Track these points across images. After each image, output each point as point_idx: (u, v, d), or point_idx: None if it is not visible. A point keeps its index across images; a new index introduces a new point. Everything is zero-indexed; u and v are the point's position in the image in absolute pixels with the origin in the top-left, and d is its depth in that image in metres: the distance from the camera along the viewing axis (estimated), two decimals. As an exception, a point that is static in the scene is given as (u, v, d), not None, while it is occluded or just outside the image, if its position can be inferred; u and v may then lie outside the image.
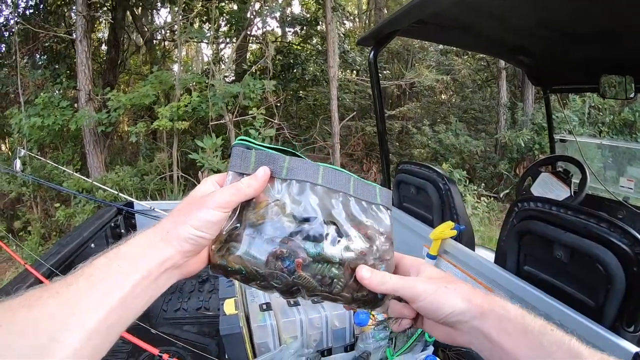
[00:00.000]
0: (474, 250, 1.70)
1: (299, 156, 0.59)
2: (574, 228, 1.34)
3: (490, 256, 1.80)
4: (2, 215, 7.45)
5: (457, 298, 0.52)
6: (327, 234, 0.54)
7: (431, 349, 1.28)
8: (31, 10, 8.30)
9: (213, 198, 0.52)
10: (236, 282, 1.38)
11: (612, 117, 8.91)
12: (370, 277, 0.54)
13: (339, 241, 0.54)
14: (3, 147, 9.35)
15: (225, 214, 0.52)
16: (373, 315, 1.30)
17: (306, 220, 0.54)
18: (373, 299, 0.57)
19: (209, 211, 0.51)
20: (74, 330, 0.41)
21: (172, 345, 1.46)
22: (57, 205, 6.99)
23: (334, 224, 0.55)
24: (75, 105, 7.37)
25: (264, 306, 1.34)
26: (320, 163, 0.58)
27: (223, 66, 9.09)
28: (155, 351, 1.23)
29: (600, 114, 9.07)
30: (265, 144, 0.58)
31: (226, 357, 1.15)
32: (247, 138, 0.59)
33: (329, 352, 1.34)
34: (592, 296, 1.30)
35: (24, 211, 7.38)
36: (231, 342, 1.11)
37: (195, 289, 1.93)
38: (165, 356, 1.18)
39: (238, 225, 0.54)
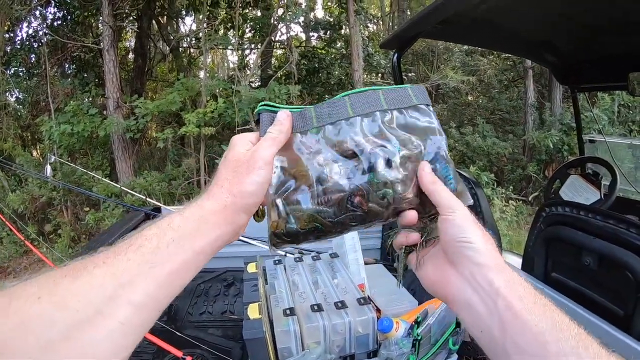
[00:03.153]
0: (501, 255, 1.67)
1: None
2: (603, 234, 1.30)
3: (518, 262, 1.76)
4: (33, 218, 7.71)
5: (481, 236, 0.49)
6: (378, 159, 0.53)
7: (455, 357, 1.26)
8: (59, 22, 8.61)
9: (256, 157, 0.51)
10: (260, 287, 1.38)
11: (642, 114, 8.62)
12: (427, 173, 0.53)
13: (390, 161, 0.53)
14: (35, 154, 9.68)
15: (271, 169, 0.51)
16: (397, 322, 1.29)
17: (354, 155, 0.54)
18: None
19: (259, 172, 0.50)
20: (120, 304, 0.39)
21: (197, 348, 1.48)
22: (87, 209, 7.21)
23: (382, 146, 0.54)
24: (104, 112, 7.60)
25: (288, 311, 1.34)
26: (344, 92, 0.57)
27: (248, 72, 9.20)
28: (179, 353, 1.25)
29: (631, 112, 8.77)
30: (288, 106, 0.58)
31: (249, 361, 1.16)
32: (269, 102, 0.58)
33: (352, 358, 1.33)
34: (621, 305, 1.25)
35: (55, 215, 7.62)
36: (254, 346, 1.12)
37: (220, 292, 1.95)
38: (188, 358, 1.19)
39: (290, 185, 0.53)
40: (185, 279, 0.46)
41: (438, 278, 0.53)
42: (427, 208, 0.54)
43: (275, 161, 0.53)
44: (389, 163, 0.53)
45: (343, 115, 0.55)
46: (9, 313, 0.34)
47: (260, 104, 0.59)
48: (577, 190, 2.75)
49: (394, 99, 0.57)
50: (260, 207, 0.56)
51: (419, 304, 1.46)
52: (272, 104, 0.58)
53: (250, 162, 0.51)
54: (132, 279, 0.40)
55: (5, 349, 0.32)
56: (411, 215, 0.54)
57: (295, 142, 0.56)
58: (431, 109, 0.59)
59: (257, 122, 0.58)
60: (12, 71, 8.57)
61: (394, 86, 0.59)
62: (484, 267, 0.48)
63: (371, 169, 0.53)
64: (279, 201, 0.53)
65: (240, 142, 0.55)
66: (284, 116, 0.55)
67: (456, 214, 0.50)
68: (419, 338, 1.16)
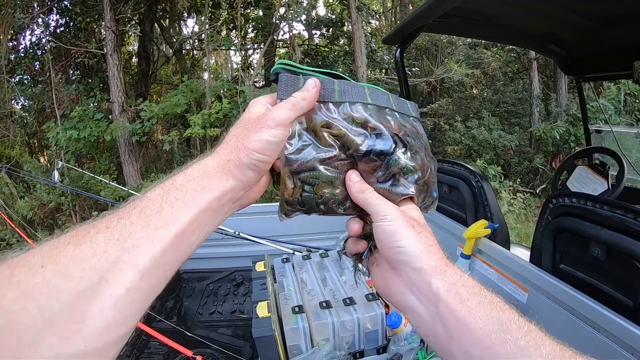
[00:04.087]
0: (509, 249, 1.66)
1: (343, 77, 0.59)
2: (611, 224, 1.29)
3: (526, 254, 1.75)
4: (42, 224, 7.78)
5: (416, 240, 0.47)
6: (397, 145, 0.55)
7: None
8: (62, 29, 8.66)
9: (271, 116, 0.49)
10: (269, 286, 1.39)
11: (649, 103, 8.53)
12: (354, 183, 0.52)
13: (405, 151, 0.55)
14: (42, 160, 9.76)
15: (285, 132, 0.49)
16: (405, 318, 1.29)
17: (378, 135, 0.54)
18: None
19: (269, 130, 0.48)
20: (126, 270, 0.37)
21: (207, 347, 1.49)
22: (95, 213, 7.20)
23: (397, 135, 0.55)
24: (110, 117, 7.65)
25: (297, 309, 1.34)
26: (361, 83, 0.59)
27: (252, 72, 9.21)
28: (189, 353, 1.26)
29: (637, 101, 8.68)
30: (307, 67, 0.57)
31: (259, 359, 1.17)
32: (287, 62, 0.57)
33: (361, 354, 1.33)
34: (631, 295, 1.24)
35: (64, 220, 7.69)
36: (264, 344, 1.13)
37: (230, 292, 1.96)
38: (199, 358, 1.20)
39: (310, 152, 0.52)
40: (193, 240, 0.43)
41: (384, 283, 0.52)
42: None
43: (296, 125, 0.52)
44: (405, 152, 0.55)
45: (362, 100, 0.56)
46: (11, 283, 0.33)
47: (279, 61, 0.57)
48: (584, 181, 2.73)
49: (399, 104, 0.61)
50: (276, 172, 0.55)
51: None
52: (291, 63, 0.57)
53: (261, 120, 0.49)
54: (137, 242, 0.38)
55: (9, 320, 0.31)
56: (356, 227, 0.55)
57: (315, 109, 0.55)
58: (420, 124, 0.64)
59: (275, 80, 0.56)
60: (17, 79, 8.65)
61: (398, 97, 0.63)
62: (421, 272, 0.46)
63: (387, 153, 0.54)
64: (296, 167, 0.52)
65: (257, 104, 0.54)
66: (312, 84, 0.53)
67: (387, 219, 0.49)
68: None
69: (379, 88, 0.60)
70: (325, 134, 0.53)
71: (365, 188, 0.52)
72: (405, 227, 0.48)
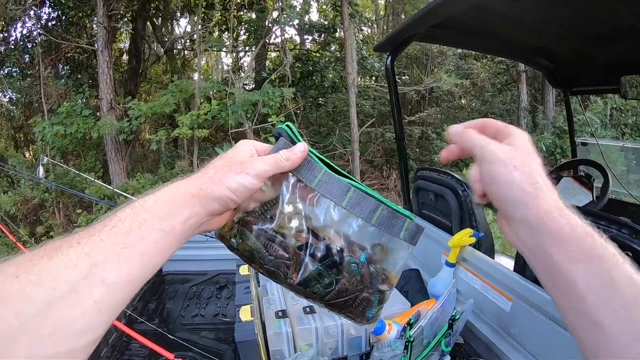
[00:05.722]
0: (493, 258, 1.67)
1: (334, 168, 0.60)
2: (595, 235, 1.31)
3: (510, 264, 1.76)
4: (25, 220, 7.66)
5: (516, 188, 0.48)
6: (329, 255, 0.57)
7: (448, 358, 1.26)
8: (53, 22, 8.56)
9: (254, 165, 0.52)
10: (253, 290, 1.38)
11: (634, 118, 8.70)
12: (460, 129, 0.56)
13: (337, 267, 0.57)
14: (27, 155, 9.62)
15: (260, 182, 0.53)
16: (389, 324, 1.29)
17: (315, 237, 0.57)
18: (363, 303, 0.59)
19: (247, 177, 0.51)
20: (94, 283, 0.40)
21: (189, 350, 1.47)
22: (79, 211, 7.16)
23: (340, 248, 0.57)
24: (98, 114, 7.56)
25: (280, 313, 1.33)
26: (354, 183, 0.58)
27: (242, 74, 9.20)
28: (170, 356, 1.24)
29: (623, 115, 8.87)
30: (313, 150, 0.59)
31: (241, 364, 1.15)
32: (293, 128, 0.60)
33: (345, 360, 1.33)
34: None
35: (47, 217, 7.58)
36: (246, 348, 1.11)
37: (213, 295, 1.94)
38: (180, 362, 1.19)
39: (256, 212, 0.57)
40: (157, 260, 0.46)
41: (505, 228, 0.53)
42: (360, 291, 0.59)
43: (265, 185, 0.56)
44: (335, 265, 0.57)
45: (337, 200, 0.57)
46: None
47: (286, 123, 0.60)
48: (569, 193, 2.76)
49: (387, 220, 0.58)
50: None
51: (412, 305, 1.46)
52: (295, 131, 0.59)
53: (243, 165, 0.52)
54: (106, 259, 0.41)
55: None
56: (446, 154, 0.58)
57: (288, 181, 0.58)
58: (409, 252, 0.60)
59: (276, 138, 0.60)
60: (6, 71, 8.54)
61: (397, 208, 0.59)
62: (527, 225, 0.48)
63: (321, 260, 0.57)
64: (236, 217, 0.57)
65: (246, 147, 0.57)
66: (301, 148, 0.56)
67: (483, 165, 0.51)
68: (412, 340, 1.16)
69: (374, 196, 0.58)
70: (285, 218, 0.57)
71: (460, 129, 0.55)
72: (503, 175, 0.49)
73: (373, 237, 0.59)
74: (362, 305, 0.59)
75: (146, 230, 0.45)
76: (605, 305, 0.41)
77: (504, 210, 0.50)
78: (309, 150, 0.58)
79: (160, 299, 1.90)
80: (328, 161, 0.60)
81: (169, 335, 1.54)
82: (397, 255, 0.60)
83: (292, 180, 0.58)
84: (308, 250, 0.56)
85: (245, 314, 1.20)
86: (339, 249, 0.57)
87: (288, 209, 0.57)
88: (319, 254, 0.57)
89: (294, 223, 0.57)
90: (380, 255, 0.59)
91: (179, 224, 0.48)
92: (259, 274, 0.61)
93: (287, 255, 0.56)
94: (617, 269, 0.42)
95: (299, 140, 0.59)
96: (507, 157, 0.49)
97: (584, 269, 0.43)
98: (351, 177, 0.60)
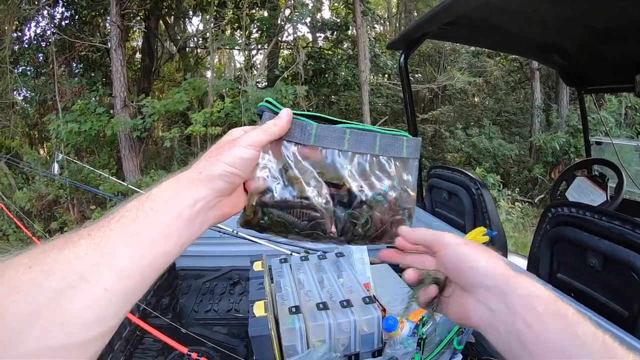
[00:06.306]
0: (506, 257, 1.66)
1: (326, 119, 0.62)
2: (609, 235, 1.30)
3: (523, 263, 1.75)
4: (40, 216, 7.77)
5: (482, 257, 0.51)
6: (354, 197, 0.60)
7: (460, 357, 1.26)
8: (67, 21, 8.67)
9: (244, 138, 0.54)
10: (266, 286, 1.39)
11: (650, 117, 8.55)
12: (406, 232, 0.59)
13: (366, 205, 0.60)
14: (42, 152, 9.75)
15: (256, 152, 0.54)
16: (402, 321, 1.29)
17: (337, 186, 0.60)
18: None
19: (240, 148, 0.53)
20: (104, 271, 0.40)
21: (202, 345, 1.48)
22: (93, 207, 7.25)
23: (361, 187, 0.60)
24: (111, 111, 7.64)
25: (294, 309, 1.34)
26: (347, 124, 0.61)
27: (255, 72, 9.22)
28: (184, 350, 1.26)
29: (638, 114, 8.71)
30: (294, 111, 0.60)
31: (254, 358, 1.16)
32: (272, 100, 0.61)
33: (357, 357, 1.33)
34: (627, 306, 1.25)
35: (61, 212, 7.68)
36: (259, 344, 1.12)
37: (226, 290, 1.95)
38: (193, 355, 1.20)
39: (275, 188, 0.58)
40: (167, 246, 0.47)
41: (460, 310, 0.54)
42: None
43: (269, 161, 0.57)
44: (364, 203, 0.60)
45: (339, 146, 0.60)
46: (3, 280, 0.37)
47: (265, 99, 0.61)
48: (583, 192, 2.73)
49: (388, 145, 0.62)
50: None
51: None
52: (275, 103, 0.61)
53: (235, 140, 0.54)
54: (115, 247, 0.42)
55: (1, 312, 0.35)
56: (412, 275, 0.59)
57: (287, 149, 0.59)
58: (416, 164, 0.65)
59: (260, 116, 0.61)
60: (20, 70, 8.63)
61: (392, 131, 0.63)
62: (495, 289, 0.48)
63: (349, 204, 0.60)
64: (258, 198, 0.57)
65: (236, 131, 0.58)
66: (285, 113, 0.58)
67: (452, 245, 0.54)
68: (424, 337, 1.16)
69: (367, 128, 0.61)
70: (299, 178, 0.58)
71: (413, 230, 0.60)
72: (468, 249, 0.52)
73: (383, 164, 0.62)
74: (398, 226, 0.63)
75: (153, 218, 0.46)
76: None
77: (471, 284, 0.51)
78: (295, 113, 0.59)
79: (173, 294, 1.93)
80: (317, 114, 0.62)
81: (182, 330, 1.55)
82: (409, 170, 0.64)
83: (290, 146, 0.59)
84: (335, 201, 0.59)
85: (259, 309, 1.21)
86: (360, 187, 0.60)
87: (299, 173, 0.58)
88: (345, 201, 0.60)
89: (312, 183, 0.58)
90: (396, 177, 0.62)
91: (187, 209, 0.49)
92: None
93: (318, 215, 0.58)
94: (581, 326, 0.42)
95: (281, 109, 0.60)
96: (461, 240, 0.55)
97: (555, 330, 0.43)
98: (341, 120, 0.62)
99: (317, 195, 0.58)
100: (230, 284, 2.00)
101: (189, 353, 1.28)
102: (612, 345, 0.41)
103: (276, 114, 0.59)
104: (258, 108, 0.61)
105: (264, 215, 0.58)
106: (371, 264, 1.59)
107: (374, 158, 0.61)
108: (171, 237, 0.47)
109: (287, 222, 0.58)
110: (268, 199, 0.57)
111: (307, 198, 0.58)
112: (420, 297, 0.58)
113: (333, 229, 0.60)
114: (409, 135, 0.64)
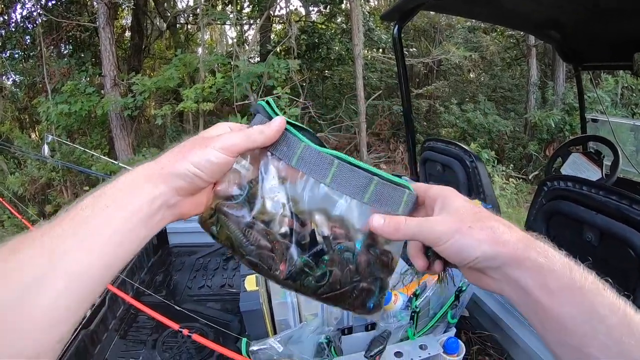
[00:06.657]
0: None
1: (317, 139, 0.54)
2: (605, 209, 1.29)
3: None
4: (33, 200, 7.73)
5: (484, 241, 0.44)
6: (314, 244, 0.51)
7: (453, 330, 1.26)
8: (53, 2, 8.45)
9: (219, 139, 0.49)
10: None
11: (646, 98, 8.55)
12: (383, 225, 0.49)
13: (322, 253, 0.51)
14: (33, 136, 9.65)
15: (228, 157, 0.49)
16: (395, 294, 1.29)
17: (301, 222, 0.52)
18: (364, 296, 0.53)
19: (212, 151, 0.48)
20: (57, 274, 0.39)
21: (196, 321, 1.48)
22: (87, 188, 7.20)
23: (328, 234, 0.51)
24: (102, 91, 7.53)
25: (285, 284, 1.33)
26: (339, 155, 0.51)
27: (247, 47, 9.08)
28: (175, 326, 1.25)
29: (634, 95, 8.70)
30: (288, 120, 0.53)
31: (246, 333, 1.16)
32: (272, 103, 0.54)
33: (350, 330, 1.33)
34: (623, 282, 1.24)
35: (55, 195, 7.64)
36: (251, 318, 1.12)
37: (219, 266, 1.95)
38: (185, 331, 1.19)
39: (238, 198, 0.52)
40: (125, 246, 0.45)
41: (477, 281, 0.50)
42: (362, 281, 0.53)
43: (243, 168, 0.52)
44: (323, 254, 0.51)
45: (320, 178, 0.50)
46: None
47: (265, 99, 0.55)
48: (578, 168, 2.73)
49: (382, 195, 0.51)
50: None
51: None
52: (274, 106, 0.54)
53: (209, 140, 0.49)
54: (67, 249, 0.40)
55: None
56: (421, 264, 0.54)
57: (268, 162, 0.53)
58: None
59: (254, 115, 0.55)
60: (8, 54, 8.50)
61: (394, 179, 0.51)
62: (504, 269, 0.45)
63: (307, 249, 0.51)
64: (214, 204, 0.52)
65: (220, 127, 0.54)
66: (276, 122, 0.51)
67: (444, 242, 0.46)
68: (417, 311, 1.15)
69: (362, 166, 0.51)
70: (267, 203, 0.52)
71: (397, 223, 0.49)
72: (465, 237, 0.45)
73: (368, 216, 0.50)
74: (362, 296, 0.53)
75: (107, 216, 0.43)
76: (593, 337, 0.39)
77: (478, 269, 0.47)
78: (290, 123, 0.53)
79: (167, 271, 1.92)
80: (311, 132, 0.54)
81: (176, 307, 1.55)
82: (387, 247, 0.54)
83: (273, 159, 0.52)
84: (294, 237, 0.51)
85: (250, 283, 1.20)
86: (326, 235, 0.51)
87: (268, 192, 0.52)
88: (304, 243, 0.51)
89: (276, 207, 0.51)
90: (380, 238, 0.52)
91: (146, 205, 0.46)
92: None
93: (269, 245, 0.51)
94: (599, 298, 0.40)
95: (277, 115, 0.53)
96: (453, 224, 0.47)
97: (568, 303, 0.41)
98: (343, 155, 0.52)
99: (279, 223, 0.51)
100: (224, 260, 1.99)
101: (180, 329, 1.27)
102: (632, 317, 0.39)
103: (270, 119, 0.52)
104: (254, 107, 0.55)
105: (217, 223, 0.52)
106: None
107: (361, 204, 0.51)
108: (127, 237, 0.45)
109: (235, 241, 0.51)
110: (227, 208, 0.52)
111: (265, 222, 0.51)
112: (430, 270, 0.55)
113: (282, 267, 0.51)
114: (411, 189, 0.52)
